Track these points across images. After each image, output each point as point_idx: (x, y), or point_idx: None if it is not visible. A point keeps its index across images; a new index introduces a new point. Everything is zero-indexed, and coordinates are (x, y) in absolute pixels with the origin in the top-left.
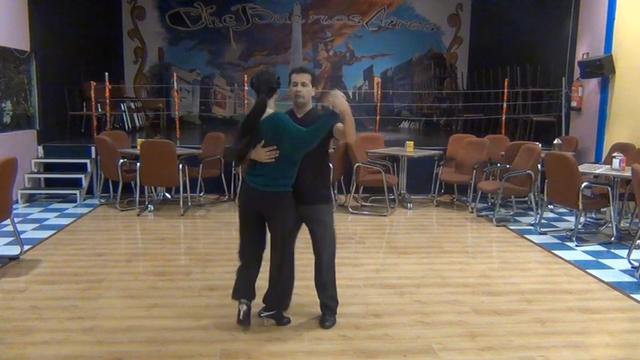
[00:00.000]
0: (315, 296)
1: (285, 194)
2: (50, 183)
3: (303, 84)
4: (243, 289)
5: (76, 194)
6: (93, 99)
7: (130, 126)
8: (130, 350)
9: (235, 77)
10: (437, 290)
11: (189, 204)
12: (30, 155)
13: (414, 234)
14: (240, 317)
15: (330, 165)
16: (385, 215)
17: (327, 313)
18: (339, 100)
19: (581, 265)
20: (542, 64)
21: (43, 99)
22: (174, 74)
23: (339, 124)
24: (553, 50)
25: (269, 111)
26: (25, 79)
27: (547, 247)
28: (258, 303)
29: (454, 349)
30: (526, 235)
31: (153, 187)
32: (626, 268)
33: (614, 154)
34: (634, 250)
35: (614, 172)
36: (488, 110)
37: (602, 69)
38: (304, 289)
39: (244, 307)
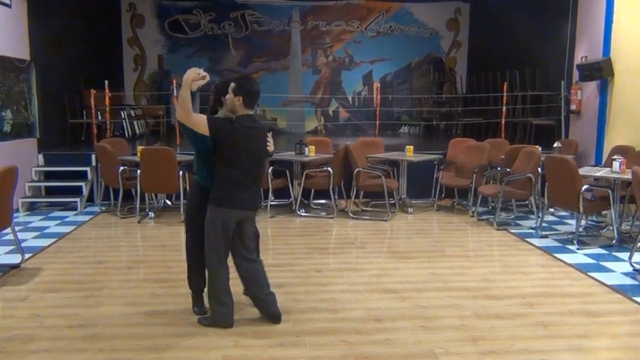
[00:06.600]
0: (314, 300)
1: (194, 182)
2: (51, 191)
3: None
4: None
5: (76, 202)
6: (93, 107)
7: (130, 133)
8: (132, 357)
9: None
10: (438, 294)
11: None
12: (30, 164)
13: (414, 238)
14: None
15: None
16: (386, 220)
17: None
18: (187, 72)
19: (583, 268)
20: (541, 68)
21: (43, 107)
22: (174, 81)
23: None
24: (552, 54)
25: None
26: (25, 88)
27: (548, 251)
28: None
29: (456, 353)
30: (527, 239)
31: (153, 194)
32: (627, 270)
33: (614, 156)
34: (635, 253)
35: (614, 175)
36: (488, 114)
37: (600, 72)
38: (304, 295)
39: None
